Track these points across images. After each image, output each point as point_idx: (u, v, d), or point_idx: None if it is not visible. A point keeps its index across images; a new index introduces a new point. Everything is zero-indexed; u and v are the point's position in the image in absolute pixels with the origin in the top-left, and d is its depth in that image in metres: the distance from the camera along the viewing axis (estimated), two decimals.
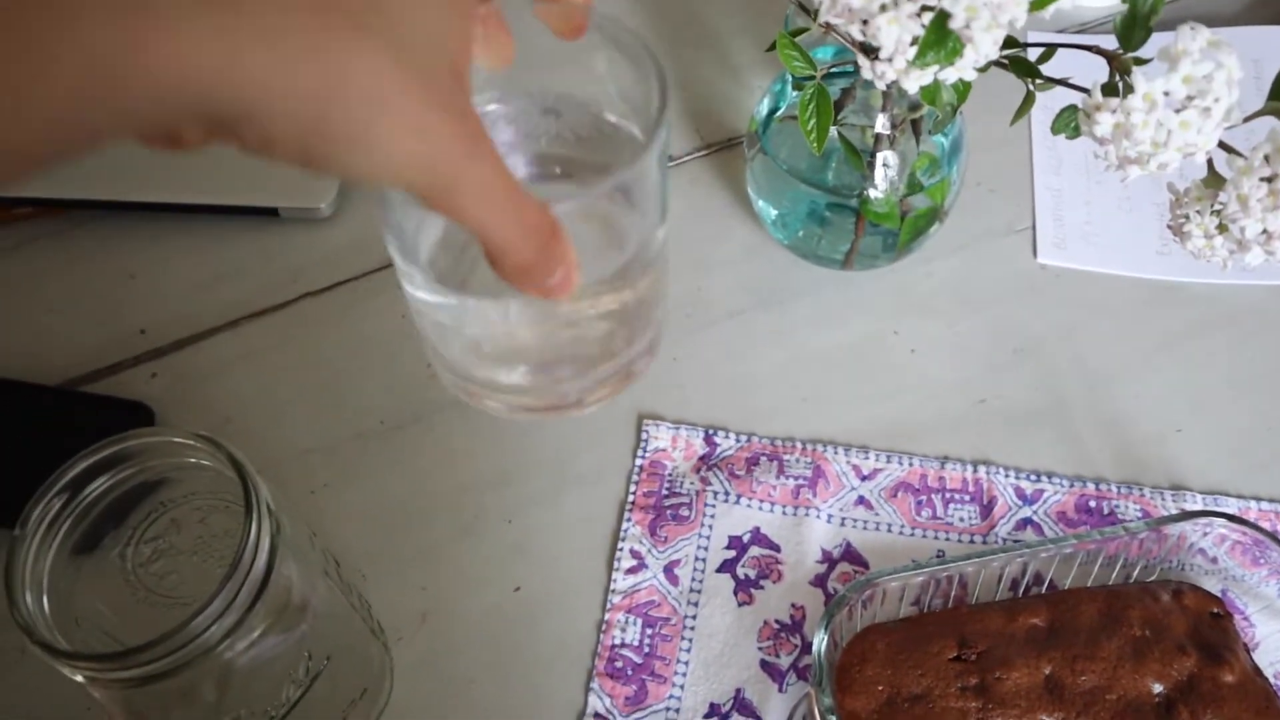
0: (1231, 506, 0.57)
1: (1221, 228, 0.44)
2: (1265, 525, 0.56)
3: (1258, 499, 0.58)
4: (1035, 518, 0.57)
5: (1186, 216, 0.45)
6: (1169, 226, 0.47)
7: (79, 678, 0.37)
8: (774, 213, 0.64)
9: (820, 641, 0.47)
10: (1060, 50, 0.48)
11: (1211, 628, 0.51)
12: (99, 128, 0.20)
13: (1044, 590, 0.53)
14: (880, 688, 0.49)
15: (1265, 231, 0.42)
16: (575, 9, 0.33)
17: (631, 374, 0.42)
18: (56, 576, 0.39)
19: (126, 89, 0.19)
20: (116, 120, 0.20)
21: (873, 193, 0.58)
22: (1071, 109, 0.45)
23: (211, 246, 0.69)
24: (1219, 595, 0.53)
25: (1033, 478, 0.58)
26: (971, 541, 0.56)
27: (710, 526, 0.56)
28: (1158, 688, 0.49)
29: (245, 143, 0.22)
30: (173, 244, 0.69)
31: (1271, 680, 0.51)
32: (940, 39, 0.41)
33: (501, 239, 0.27)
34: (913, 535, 0.56)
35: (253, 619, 0.39)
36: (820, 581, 0.55)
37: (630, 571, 0.55)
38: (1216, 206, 0.44)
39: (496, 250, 0.28)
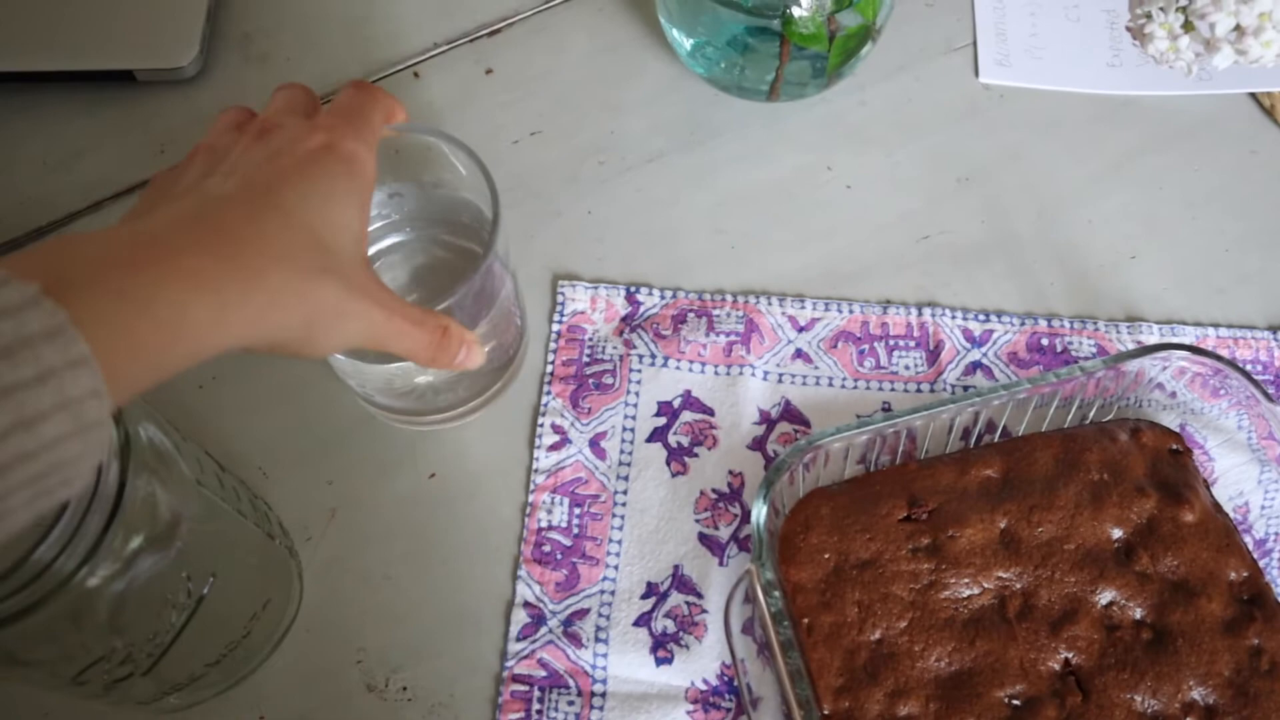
0: (1189, 336, 0.54)
1: (1188, 26, 0.39)
2: (1224, 353, 0.53)
3: (1215, 325, 0.55)
4: (985, 360, 0.53)
5: (1148, 15, 0.40)
6: (1127, 28, 0.41)
7: None
8: (689, 42, 0.57)
9: (759, 511, 0.43)
10: None
11: (1170, 465, 0.48)
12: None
13: (997, 438, 0.50)
14: (826, 555, 0.45)
15: (1238, 28, 0.37)
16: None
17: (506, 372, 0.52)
18: None
19: (217, 344, 0.30)
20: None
21: (797, 11, 0.52)
22: None
23: (62, 120, 0.61)
24: (1177, 431, 0.50)
25: (981, 317, 0.54)
26: (919, 390, 0.52)
27: (637, 393, 0.52)
28: (1117, 533, 0.47)
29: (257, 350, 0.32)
30: (19, 120, 0.61)
31: (1231, 515, 0.48)
32: None
33: (415, 351, 0.38)
34: (855, 388, 0.52)
35: (110, 543, 0.34)
36: (759, 444, 0.51)
37: (553, 448, 0.51)
38: (1182, 2, 0.39)
39: (414, 356, 0.38)
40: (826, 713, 0.43)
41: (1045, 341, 0.54)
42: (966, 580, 0.45)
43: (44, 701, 0.47)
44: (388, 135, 0.45)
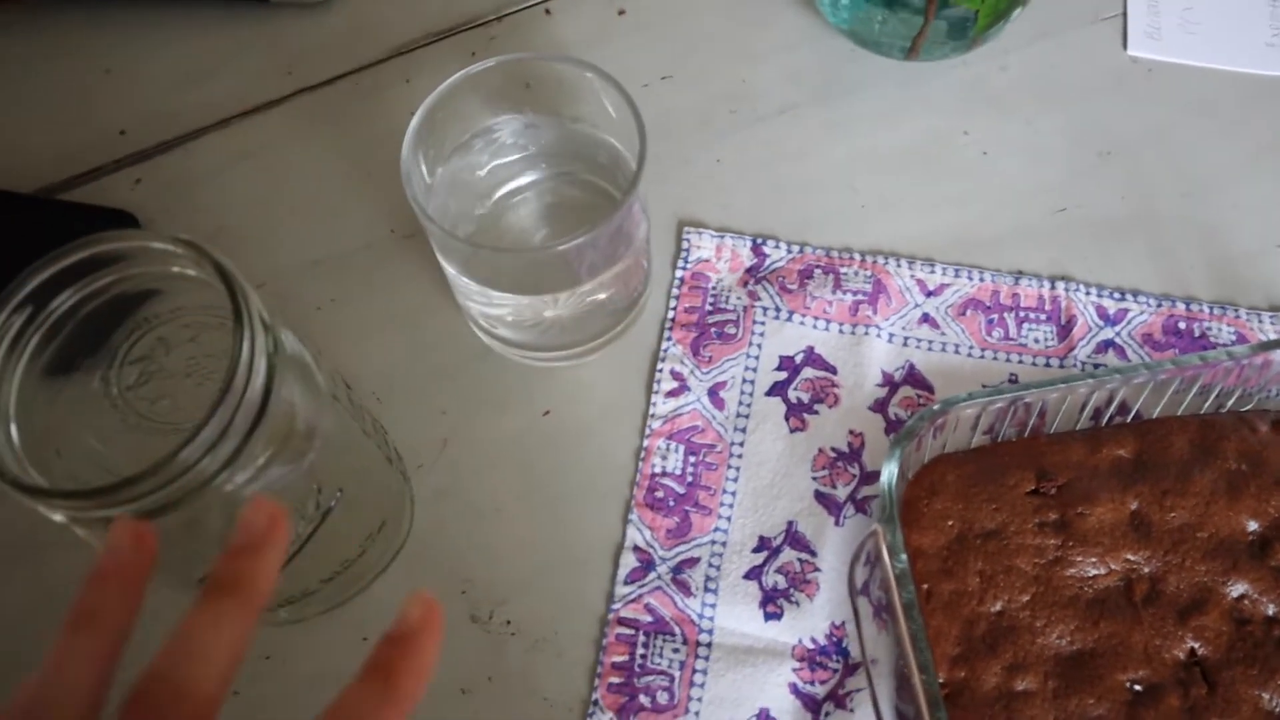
0: None
1: None
2: None
3: None
4: (1118, 340, 0.51)
5: None
6: None
7: (58, 517, 0.32)
8: None
9: (890, 472, 0.42)
10: None
11: None
12: None
13: (1129, 421, 0.48)
14: (950, 523, 0.44)
15: None
16: None
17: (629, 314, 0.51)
18: (28, 402, 0.34)
19: None
20: None
21: None
22: None
23: (195, 37, 0.61)
24: None
25: (1116, 296, 0.52)
26: (1047, 365, 0.51)
27: (759, 345, 0.51)
28: (1253, 525, 0.45)
29: None
30: (152, 36, 0.61)
31: None
32: None
33: None
34: (982, 357, 0.51)
35: (252, 447, 0.34)
36: (880, 406, 0.50)
37: (671, 394, 0.50)
38: None
39: None
40: (941, 681, 0.42)
41: (1183, 325, 0.52)
42: (1093, 559, 0.44)
43: (149, 604, 0.47)
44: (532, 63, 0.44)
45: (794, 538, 0.47)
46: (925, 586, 0.43)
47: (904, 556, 0.41)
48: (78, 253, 0.34)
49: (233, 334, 0.33)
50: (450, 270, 0.46)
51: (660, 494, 0.48)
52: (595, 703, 0.45)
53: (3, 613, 0.48)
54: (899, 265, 0.53)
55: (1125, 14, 0.60)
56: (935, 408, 0.43)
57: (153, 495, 0.32)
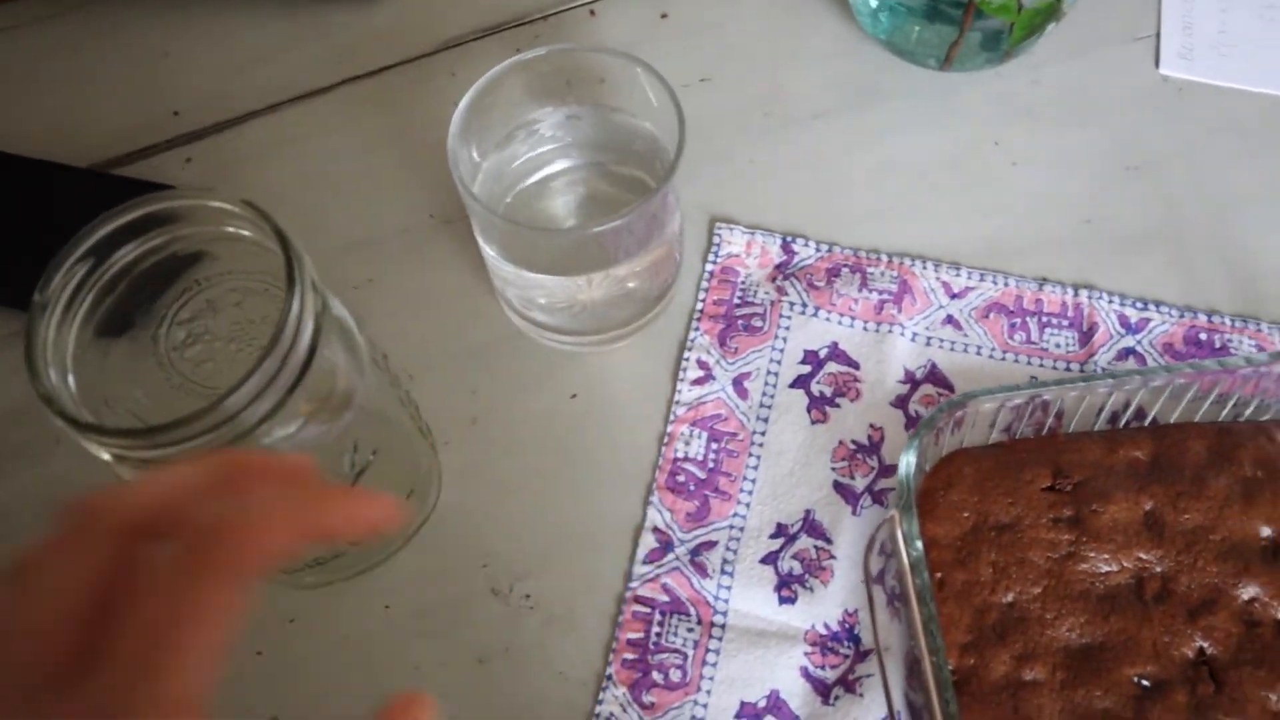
0: None
1: None
2: None
3: None
4: (1139, 348, 0.52)
5: None
6: None
7: (106, 455, 0.34)
8: (872, 1, 0.57)
9: (909, 460, 0.43)
10: None
11: None
12: None
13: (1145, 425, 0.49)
14: (966, 514, 0.45)
15: None
16: None
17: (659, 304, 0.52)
18: (83, 353, 0.36)
19: None
20: None
21: None
22: None
23: (250, 24, 0.63)
24: None
25: (1139, 305, 0.53)
26: (1068, 369, 0.52)
27: (784, 339, 0.52)
28: (1266, 531, 0.45)
29: None
30: (208, 21, 0.64)
31: None
32: None
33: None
34: (1004, 359, 0.52)
35: (293, 403, 0.35)
36: (901, 403, 0.51)
37: (696, 383, 0.51)
38: None
39: None
40: (950, 668, 0.42)
41: (1204, 337, 0.52)
42: (1106, 556, 0.44)
43: None
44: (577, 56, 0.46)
45: (811, 526, 0.48)
46: (938, 575, 0.44)
47: (919, 544, 0.41)
48: (141, 208, 0.36)
49: (285, 292, 0.34)
50: (489, 251, 0.47)
51: (681, 478, 0.49)
52: (609, 677, 0.45)
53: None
54: (925, 267, 0.54)
55: (1159, 34, 0.61)
56: (955, 399, 0.44)
57: (194, 440, 0.33)
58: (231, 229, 0.37)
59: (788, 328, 0.52)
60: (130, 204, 0.36)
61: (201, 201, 0.36)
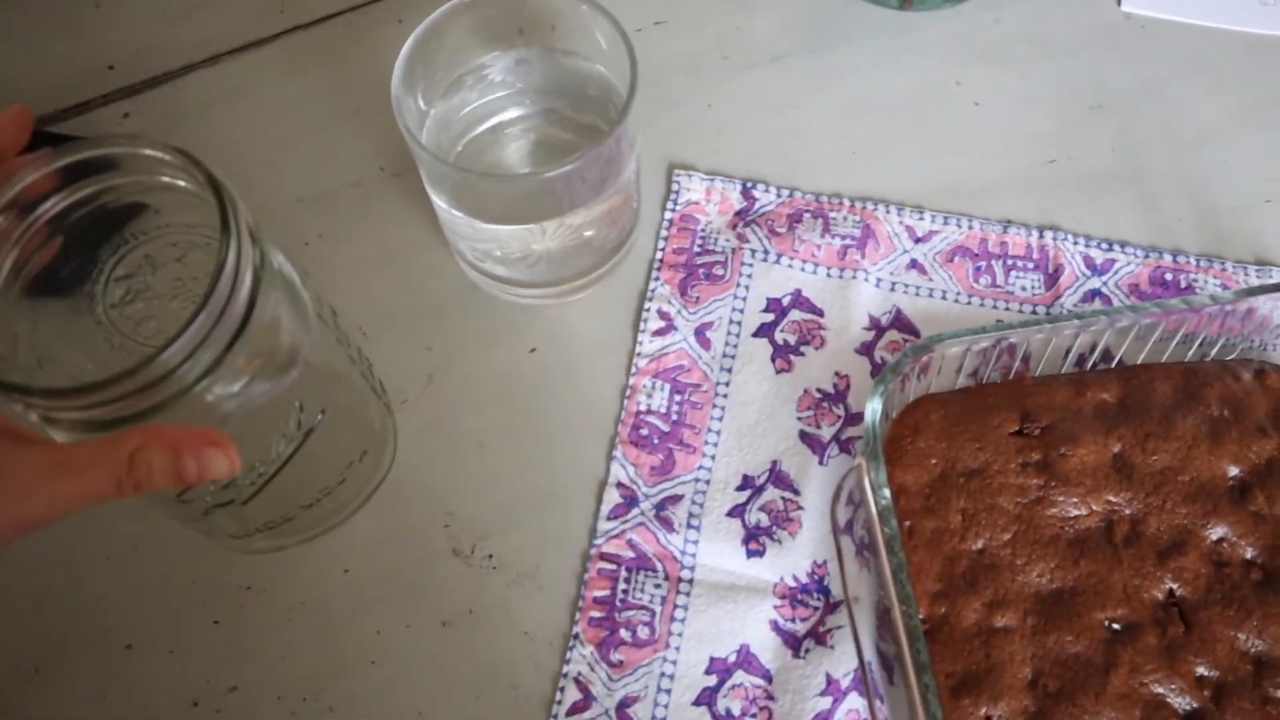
0: None
1: None
2: None
3: None
4: (1104, 289, 0.52)
5: None
6: None
7: (33, 417, 0.32)
8: None
9: (875, 407, 0.42)
10: None
11: None
12: None
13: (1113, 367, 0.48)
14: (933, 461, 0.44)
15: None
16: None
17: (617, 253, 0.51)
18: (10, 311, 0.34)
19: None
20: None
21: None
22: None
23: None
24: None
25: (1104, 246, 0.52)
26: (1034, 312, 0.51)
27: (747, 287, 0.51)
28: (1233, 470, 0.45)
29: None
30: None
31: None
32: None
33: (100, 492, 0.31)
34: (969, 303, 0.51)
35: (234, 359, 0.33)
36: (867, 349, 0.50)
37: (657, 334, 0.50)
38: None
39: (101, 497, 0.31)
40: (921, 617, 0.42)
41: (1169, 277, 0.52)
42: (1075, 500, 0.44)
43: (131, 532, 0.47)
44: None
45: (777, 476, 0.47)
46: (907, 523, 0.43)
47: (887, 492, 0.41)
48: (66, 156, 0.34)
49: (219, 242, 0.32)
50: (440, 203, 0.46)
51: (645, 431, 0.48)
52: (576, 636, 0.45)
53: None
54: (888, 211, 0.53)
55: None
56: (920, 344, 0.43)
57: (130, 398, 0.32)
58: (166, 179, 0.35)
59: (750, 275, 0.51)
60: (53, 151, 0.34)
61: (130, 149, 0.34)
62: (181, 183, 0.35)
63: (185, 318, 0.34)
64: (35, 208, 0.34)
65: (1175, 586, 0.43)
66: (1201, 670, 0.41)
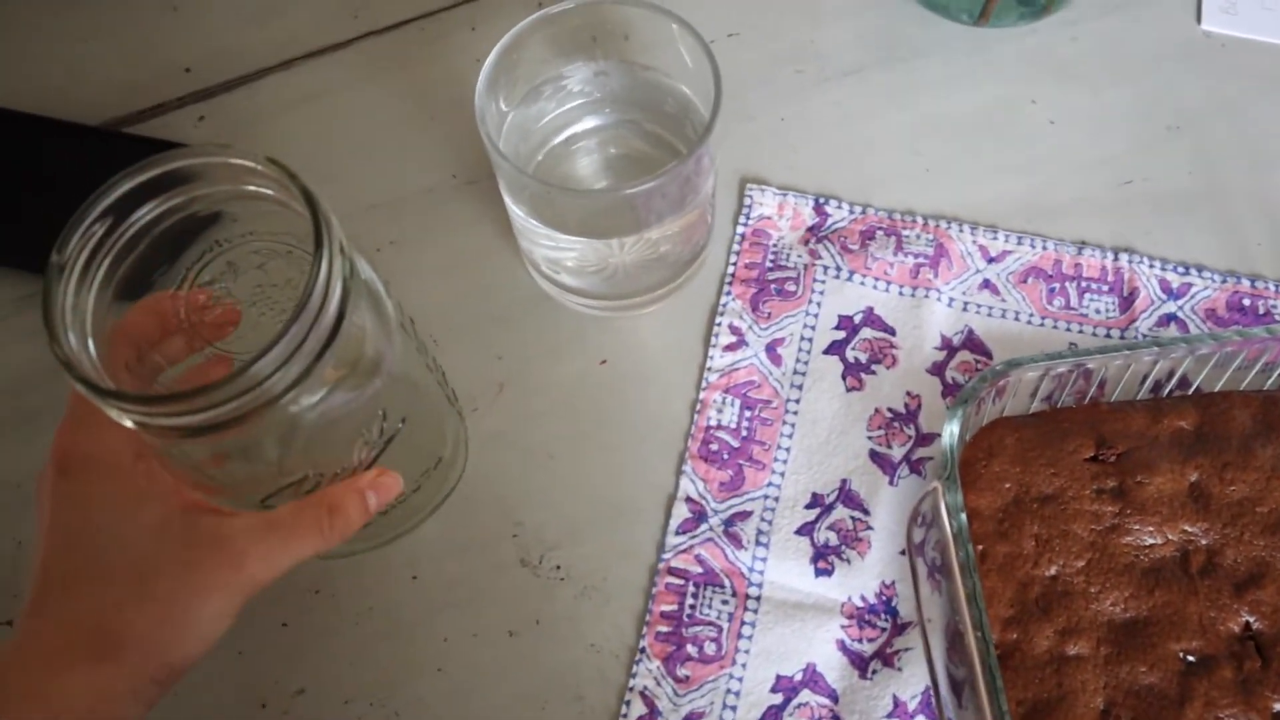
0: None
1: None
2: None
3: None
4: (1180, 314, 0.51)
5: None
6: None
7: (128, 422, 0.33)
8: None
9: (951, 430, 0.42)
10: None
11: None
12: None
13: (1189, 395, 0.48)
14: (1007, 485, 0.44)
15: None
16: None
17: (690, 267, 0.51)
18: (102, 316, 0.34)
19: None
20: None
21: None
22: None
23: None
24: None
25: (1180, 270, 0.52)
26: (1108, 335, 0.51)
27: (818, 304, 0.51)
28: None
29: None
30: None
31: None
32: None
33: (312, 548, 0.36)
34: (1042, 325, 0.51)
35: (321, 370, 0.34)
36: (938, 370, 0.49)
37: (729, 349, 0.50)
38: None
39: (313, 551, 0.36)
40: (994, 642, 0.41)
41: (1247, 302, 0.51)
42: (1150, 529, 0.43)
43: None
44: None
45: (847, 496, 0.47)
46: (980, 548, 0.43)
47: (963, 516, 0.40)
48: (161, 165, 0.34)
49: (313, 255, 0.33)
50: (517, 212, 0.46)
51: (715, 447, 0.48)
52: (642, 650, 0.45)
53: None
54: (961, 230, 0.52)
55: None
56: (998, 368, 0.43)
57: (219, 408, 0.32)
58: (253, 188, 0.36)
59: (821, 292, 0.51)
60: (150, 161, 0.34)
61: (224, 159, 0.35)
62: (268, 191, 0.35)
63: (265, 325, 0.35)
64: (129, 214, 0.35)
65: (1252, 620, 0.42)
66: (1279, 707, 0.41)
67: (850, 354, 0.50)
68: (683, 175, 0.43)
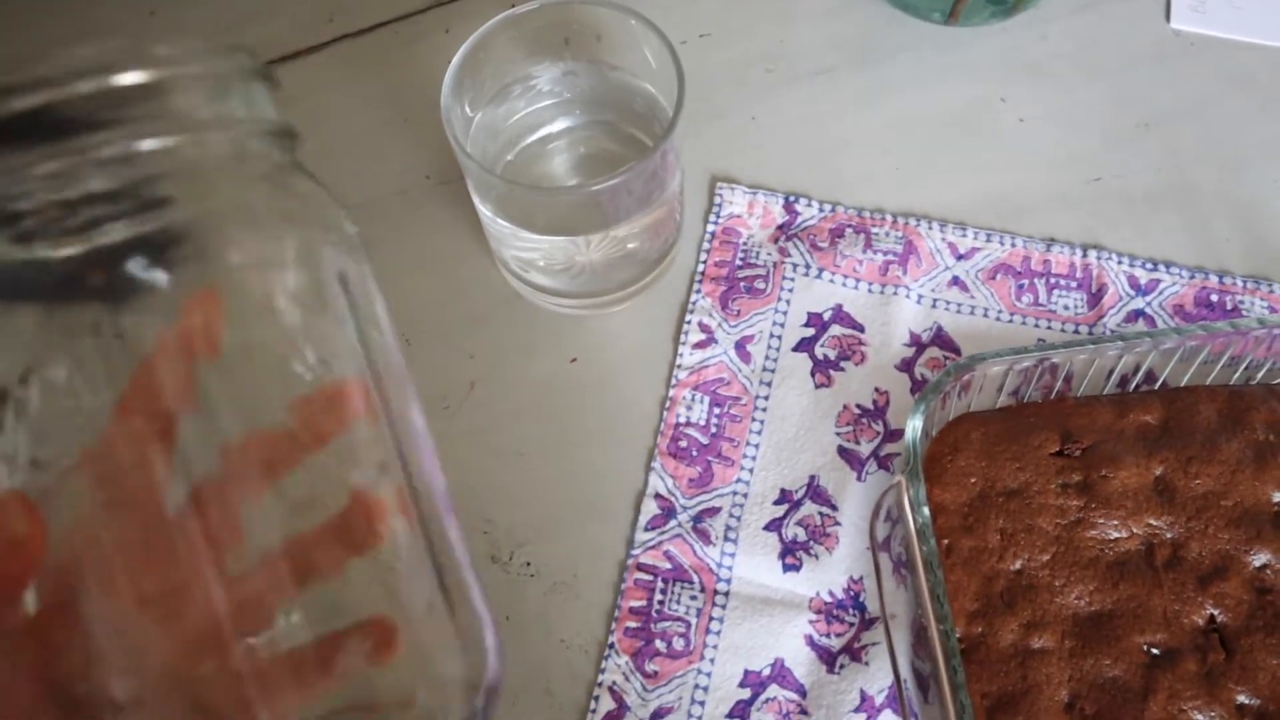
0: None
1: None
2: None
3: None
4: (1148, 310, 0.51)
5: None
6: None
7: None
8: None
9: (915, 425, 0.42)
10: None
11: None
12: None
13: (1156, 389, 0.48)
14: (973, 479, 0.44)
15: None
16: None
17: (659, 265, 0.51)
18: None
19: None
20: None
21: None
22: None
23: None
24: None
25: (1149, 266, 0.52)
26: (1076, 331, 0.51)
27: (788, 301, 0.51)
28: (1278, 496, 0.45)
29: None
30: None
31: None
32: None
33: None
34: (1011, 321, 0.51)
35: None
36: (907, 366, 0.50)
37: (698, 346, 0.50)
38: None
39: None
40: (958, 636, 0.42)
41: (1215, 298, 0.51)
42: (1115, 522, 0.44)
43: None
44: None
45: (815, 491, 0.47)
46: (945, 542, 0.43)
47: (926, 510, 0.41)
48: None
49: None
50: (485, 212, 0.46)
51: (684, 443, 0.48)
52: (611, 646, 0.45)
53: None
54: (930, 227, 0.53)
55: None
56: (963, 362, 0.43)
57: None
58: None
59: (791, 290, 0.51)
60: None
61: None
62: None
63: None
64: None
65: (1216, 612, 0.43)
66: (1242, 698, 0.41)
67: (819, 351, 0.50)
68: (647, 171, 0.43)
